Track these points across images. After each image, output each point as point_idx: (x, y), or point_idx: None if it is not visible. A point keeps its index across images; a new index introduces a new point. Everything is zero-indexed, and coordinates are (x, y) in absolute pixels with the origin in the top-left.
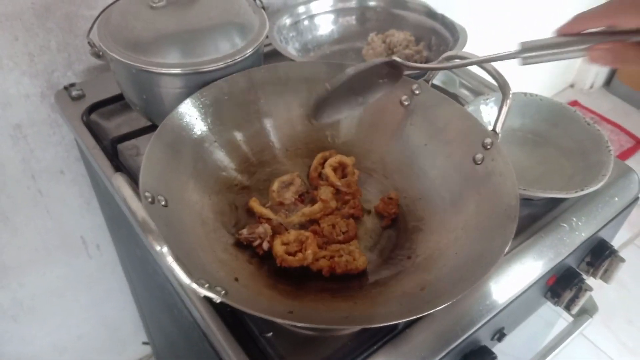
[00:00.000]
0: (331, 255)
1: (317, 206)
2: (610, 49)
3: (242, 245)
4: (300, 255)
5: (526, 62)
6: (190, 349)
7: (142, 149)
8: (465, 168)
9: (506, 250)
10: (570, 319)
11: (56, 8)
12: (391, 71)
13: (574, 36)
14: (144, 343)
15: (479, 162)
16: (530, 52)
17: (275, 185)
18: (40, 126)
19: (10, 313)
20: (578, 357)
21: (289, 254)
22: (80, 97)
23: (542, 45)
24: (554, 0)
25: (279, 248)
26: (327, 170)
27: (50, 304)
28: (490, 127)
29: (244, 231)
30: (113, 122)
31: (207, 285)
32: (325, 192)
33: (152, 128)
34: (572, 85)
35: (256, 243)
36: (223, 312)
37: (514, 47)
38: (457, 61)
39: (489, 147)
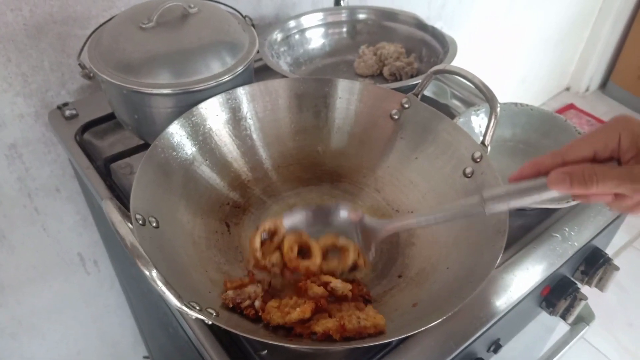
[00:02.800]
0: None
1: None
2: (570, 171)
3: (229, 309)
4: (286, 309)
5: (491, 211)
6: None
7: (136, 167)
8: (456, 181)
9: (496, 264)
10: None
11: (48, 29)
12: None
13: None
14: (145, 357)
15: (469, 176)
16: (493, 201)
17: (257, 241)
18: (35, 145)
19: (9, 331)
20: None
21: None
22: (73, 117)
23: (503, 194)
24: (543, 10)
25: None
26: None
27: (49, 321)
28: (480, 139)
29: (230, 293)
30: (106, 140)
31: (198, 307)
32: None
33: (145, 146)
34: (567, 89)
35: (245, 304)
36: (217, 331)
37: (475, 199)
38: None
39: (478, 160)
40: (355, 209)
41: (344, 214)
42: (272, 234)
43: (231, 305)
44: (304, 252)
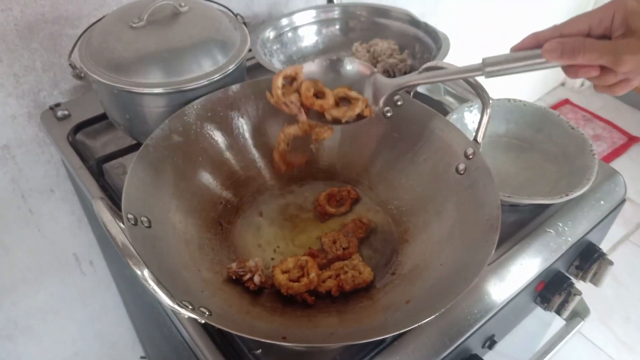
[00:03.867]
0: (336, 274)
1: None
2: (562, 41)
3: (233, 280)
4: (304, 279)
5: (490, 75)
6: None
7: (129, 167)
8: (449, 178)
9: (489, 260)
10: None
11: (40, 28)
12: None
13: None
14: (142, 358)
15: (462, 172)
16: (492, 66)
17: (279, 80)
18: (29, 146)
19: (5, 333)
20: (577, 356)
21: (292, 281)
22: (65, 117)
23: (502, 60)
24: (538, 4)
25: (280, 277)
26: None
27: (45, 322)
28: (473, 135)
29: (233, 265)
30: (99, 141)
31: (191, 306)
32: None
33: (137, 146)
34: (563, 84)
35: (246, 277)
36: (211, 330)
37: (477, 61)
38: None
39: (471, 156)
40: (369, 65)
41: (357, 67)
42: (292, 80)
43: (234, 278)
44: (320, 98)
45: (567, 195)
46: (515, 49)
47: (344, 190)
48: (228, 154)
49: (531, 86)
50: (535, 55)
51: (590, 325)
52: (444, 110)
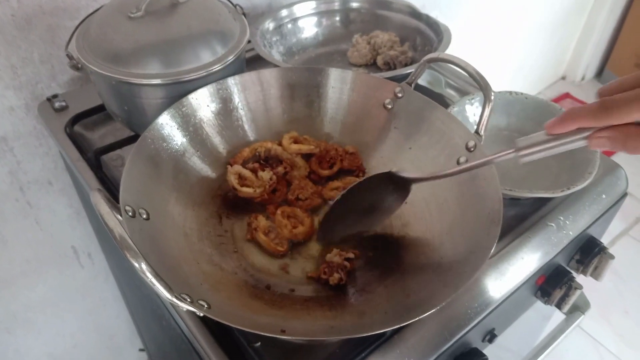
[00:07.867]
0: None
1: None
2: (611, 137)
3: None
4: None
5: (524, 160)
6: (181, 359)
7: (127, 159)
8: None
9: (490, 254)
10: None
11: (37, 20)
12: (397, 185)
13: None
14: (141, 350)
15: None
16: (526, 149)
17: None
18: (27, 138)
19: (4, 325)
20: (575, 349)
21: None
22: (63, 109)
23: (537, 142)
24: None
25: (232, 178)
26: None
27: (44, 314)
28: (475, 128)
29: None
30: (97, 132)
31: (189, 299)
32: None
33: (136, 138)
34: (563, 78)
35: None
36: (210, 323)
37: (509, 147)
38: None
39: (472, 149)
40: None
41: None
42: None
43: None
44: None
45: (568, 189)
46: (552, 131)
47: (331, 148)
48: (227, 146)
49: (532, 80)
50: (575, 140)
51: (589, 318)
52: (445, 103)
